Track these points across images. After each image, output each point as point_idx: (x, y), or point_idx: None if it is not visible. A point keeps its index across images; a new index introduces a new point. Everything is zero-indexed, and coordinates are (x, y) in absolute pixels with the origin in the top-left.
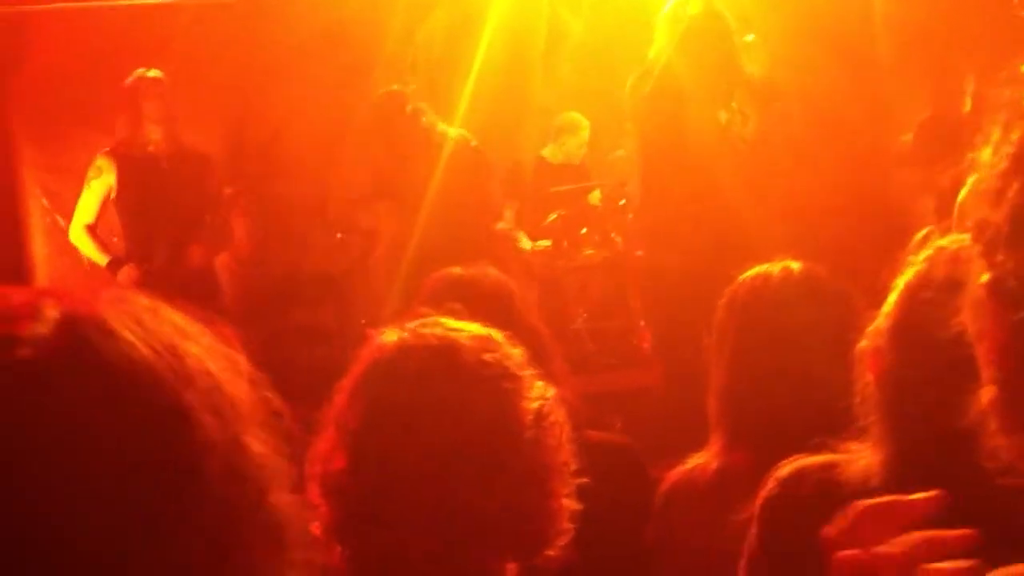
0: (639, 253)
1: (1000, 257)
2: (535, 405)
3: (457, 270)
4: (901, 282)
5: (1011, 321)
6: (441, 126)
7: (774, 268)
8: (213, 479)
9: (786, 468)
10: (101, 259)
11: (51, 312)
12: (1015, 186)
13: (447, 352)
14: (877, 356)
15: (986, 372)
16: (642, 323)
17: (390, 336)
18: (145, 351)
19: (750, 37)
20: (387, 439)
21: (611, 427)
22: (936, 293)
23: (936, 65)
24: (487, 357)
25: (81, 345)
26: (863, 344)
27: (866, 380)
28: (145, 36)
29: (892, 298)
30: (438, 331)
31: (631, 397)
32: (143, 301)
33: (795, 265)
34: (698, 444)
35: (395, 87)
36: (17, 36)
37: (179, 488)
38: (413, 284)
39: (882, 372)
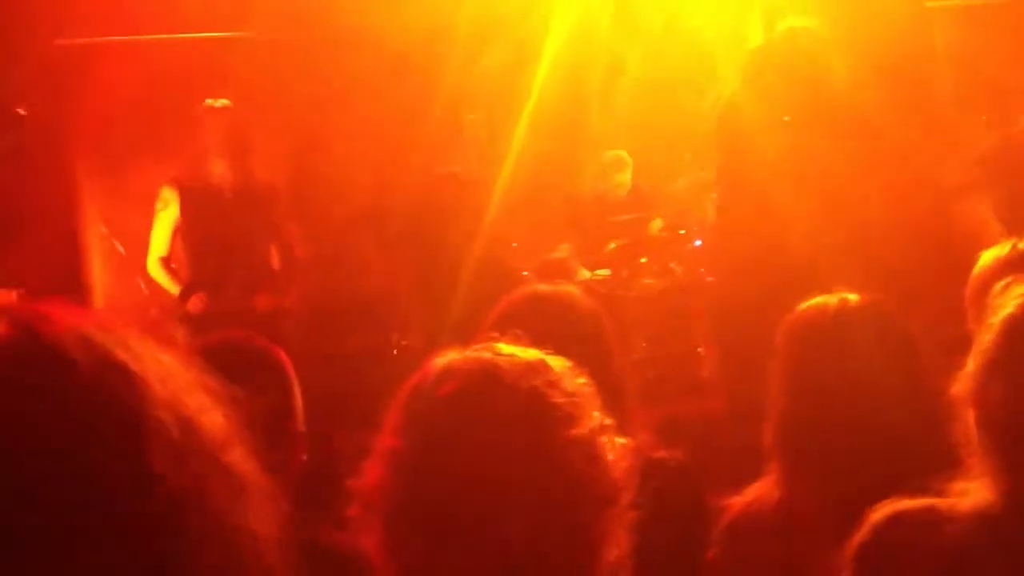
0: (709, 279)
1: None
2: (577, 434)
3: (543, 288)
4: (997, 321)
5: None
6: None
7: (831, 300)
8: (164, 430)
9: (881, 513)
10: (174, 290)
11: None
12: None
13: (485, 376)
14: (980, 394)
15: None
16: (700, 350)
17: (441, 360)
18: (90, 331)
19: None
20: (423, 460)
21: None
22: None
23: (994, 93)
24: (526, 383)
25: (25, 333)
26: (959, 386)
27: (967, 420)
28: (207, 68)
29: (988, 337)
30: (485, 355)
31: (692, 425)
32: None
33: (852, 297)
34: (760, 472)
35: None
36: (81, 67)
37: (134, 445)
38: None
39: (988, 410)
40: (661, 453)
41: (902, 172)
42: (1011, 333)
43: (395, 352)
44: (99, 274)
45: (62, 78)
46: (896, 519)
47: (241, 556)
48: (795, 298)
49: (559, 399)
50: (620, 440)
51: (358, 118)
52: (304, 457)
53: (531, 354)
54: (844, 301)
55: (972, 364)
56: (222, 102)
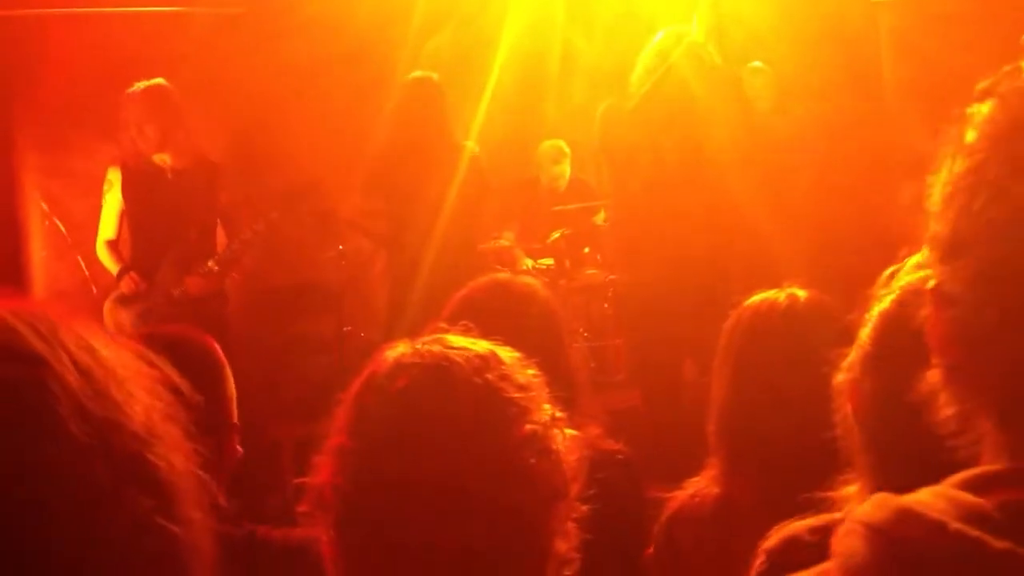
0: (611, 277)
1: (941, 266)
2: (530, 430)
3: (504, 277)
4: (874, 314)
5: (947, 317)
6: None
7: (780, 295)
8: (68, 429)
9: (775, 539)
10: (115, 270)
11: None
12: (953, 207)
13: (438, 372)
14: (856, 389)
15: (933, 359)
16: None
17: (391, 352)
18: (4, 317)
19: (757, 63)
20: (375, 458)
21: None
22: (908, 324)
23: (939, 88)
24: (479, 379)
25: None
26: (840, 377)
27: (846, 413)
28: (158, 44)
29: (866, 331)
30: (436, 349)
31: (630, 415)
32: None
33: (801, 293)
34: (681, 463)
35: (431, 74)
36: (26, 39)
37: (30, 444)
38: (413, 296)
39: (863, 405)
40: (606, 445)
41: (850, 163)
42: (884, 327)
43: (340, 339)
44: (39, 253)
45: (3, 51)
46: (790, 543)
47: (162, 557)
48: (697, 294)
49: (512, 393)
50: (570, 432)
51: (310, 99)
52: (240, 450)
53: (482, 346)
54: (792, 296)
55: (850, 358)
56: (155, 82)
